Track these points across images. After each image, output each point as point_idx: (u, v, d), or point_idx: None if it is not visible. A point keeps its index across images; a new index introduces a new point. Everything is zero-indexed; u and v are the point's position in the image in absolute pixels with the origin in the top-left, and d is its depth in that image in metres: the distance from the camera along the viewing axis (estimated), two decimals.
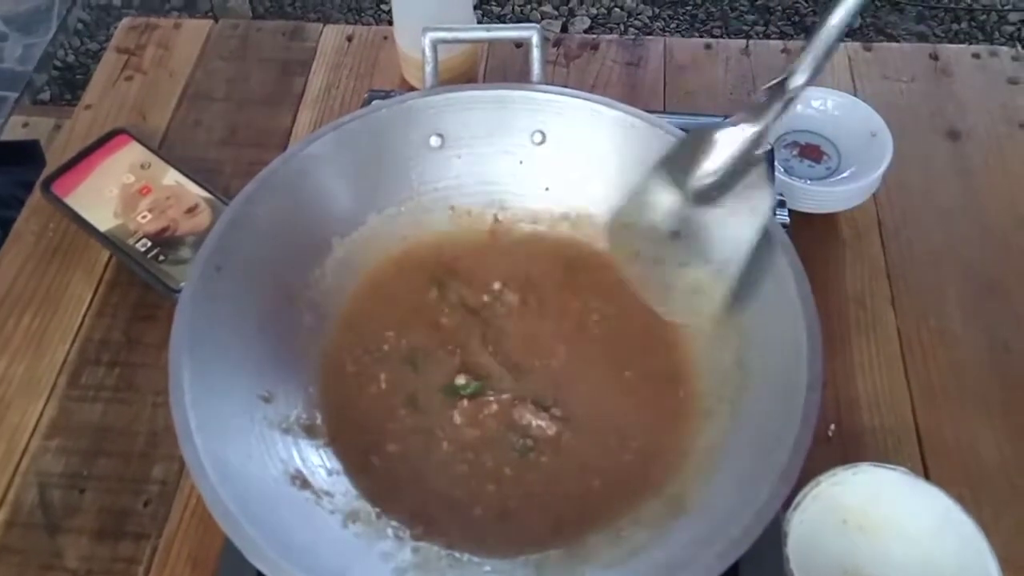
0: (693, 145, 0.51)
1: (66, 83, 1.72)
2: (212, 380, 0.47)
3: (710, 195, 0.51)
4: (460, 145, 0.59)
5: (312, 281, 0.55)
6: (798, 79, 0.47)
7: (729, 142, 0.50)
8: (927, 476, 0.56)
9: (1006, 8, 1.76)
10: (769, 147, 0.50)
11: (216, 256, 0.50)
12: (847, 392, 0.61)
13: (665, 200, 0.52)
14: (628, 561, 0.45)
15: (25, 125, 1.40)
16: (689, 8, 1.81)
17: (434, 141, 0.59)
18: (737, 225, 0.50)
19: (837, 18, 0.46)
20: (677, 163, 0.52)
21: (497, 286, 0.58)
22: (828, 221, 0.69)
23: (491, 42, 0.78)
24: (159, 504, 0.57)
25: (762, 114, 0.49)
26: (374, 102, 0.59)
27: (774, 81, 0.48)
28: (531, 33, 0.58)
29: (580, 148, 0.58)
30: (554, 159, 0.59)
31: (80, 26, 1.82)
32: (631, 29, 1.77)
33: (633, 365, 0.54)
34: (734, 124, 0.50)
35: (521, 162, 0.59)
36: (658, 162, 0.53)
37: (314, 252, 0.56)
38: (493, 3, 1.83)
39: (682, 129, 0.55)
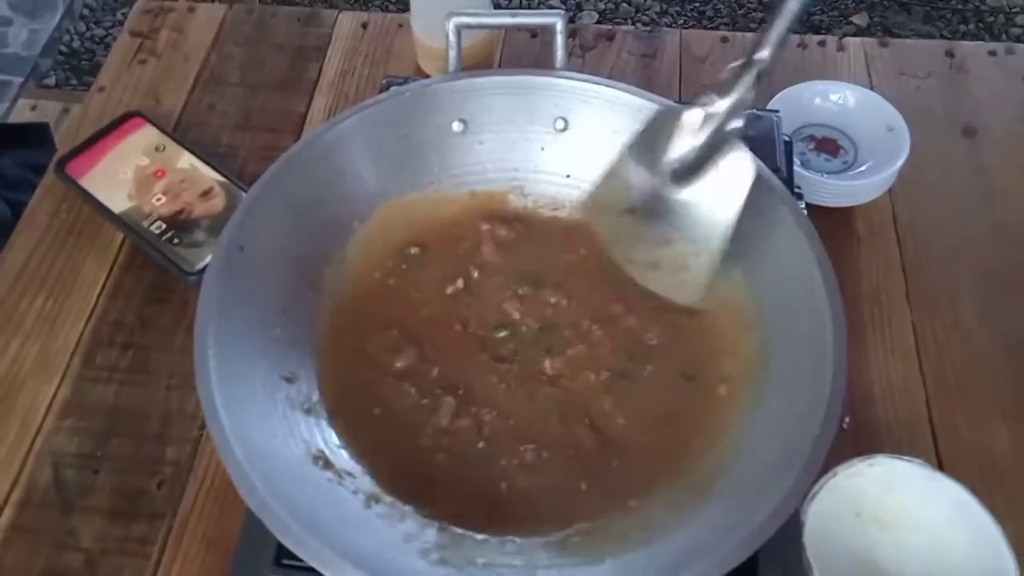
0: (663, 125, 0.52)
1: (72, 68, 1.71)
2: (236, 360, 0.47)
3: (688, 173, 0.52)
4: (483, 131, 0.59)
5: (334, 263, 0.55)
6: (764, 52, 0.48)
7: (698, 121, 0.50)
8: (941, 468, 0.56)
9: (1014, 10, 1.76)
10: (742, 122, 0.50)
11: (239, 236, 0.50)
12: (861, 385, 0.61)
13: (640, 180, 0.53)
14: (650, 545, 0.45)
15: (33, 108, 1.40)
16: (697, 4, 1.81)
17: (456, 126, 0.59)
18: (718, 201, 0.51)
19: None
20: (648, 144, 0.53)
21: (519, 273, 0.58)
22: (844, 215, 0.69)
23: (514, 28, 0.78)
24: (173, 485, 0.57)
25: (730, 89, 0.49)
26: (392, 88, 0.59)
27: (738, 63, 0.49)
28: (555, 20, 0.58)
29: (602, 135, 0.57)
30: (576, 146, 0.59)
31: (86, 11, 1.81)
32: (638, 24, 1.77)
33: (657, 354, 0.54)
34: (702, 104, 0.50)
35: (543, 148, 0.59)
36: (629, 143, 0.53)
37: (336, 235, 0.56)
38: None
39: None
